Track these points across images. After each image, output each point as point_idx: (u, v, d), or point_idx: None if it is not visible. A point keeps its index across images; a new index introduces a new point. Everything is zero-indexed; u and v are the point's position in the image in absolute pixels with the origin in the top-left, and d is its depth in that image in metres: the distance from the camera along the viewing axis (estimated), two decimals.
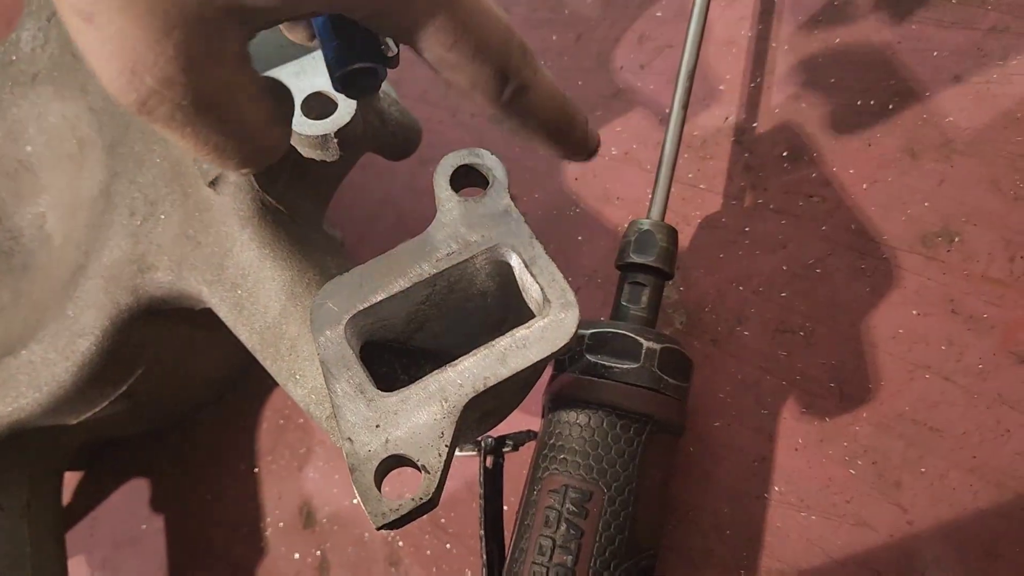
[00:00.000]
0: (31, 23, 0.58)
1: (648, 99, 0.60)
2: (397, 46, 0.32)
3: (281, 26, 0.30)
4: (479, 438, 0.46)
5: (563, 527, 0.39)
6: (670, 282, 0.51)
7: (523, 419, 0.50)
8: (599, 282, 0.56)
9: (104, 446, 0.70)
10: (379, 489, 0.31)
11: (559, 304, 0.33)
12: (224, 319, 0.45)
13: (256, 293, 0.44)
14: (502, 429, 0.44)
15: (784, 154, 0.53)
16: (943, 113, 0.50)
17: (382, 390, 0.33)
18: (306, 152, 0.43)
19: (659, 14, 0.62)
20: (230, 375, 0.67)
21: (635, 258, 0.45)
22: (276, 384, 0.49)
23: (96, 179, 0.53)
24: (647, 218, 0.47)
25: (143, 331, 0.49)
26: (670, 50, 0.61)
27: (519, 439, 0.46)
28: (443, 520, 0.55)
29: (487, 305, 0.40)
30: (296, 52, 0.43)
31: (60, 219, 0.56)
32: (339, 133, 0.41)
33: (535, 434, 0.46)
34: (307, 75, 0.43)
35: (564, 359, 0.44)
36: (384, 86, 0.54)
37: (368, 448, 0.31)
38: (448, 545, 0.54)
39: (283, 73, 0.42)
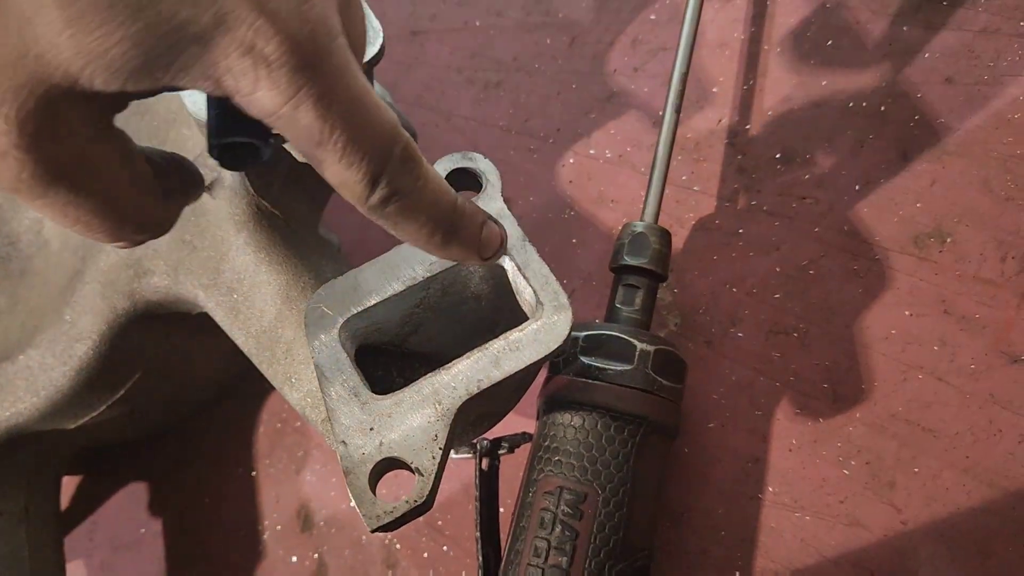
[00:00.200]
0: None
1: (642, 102, 0.60)
2: None
3: None
4: (475, 440, 0.46)
5: (558, 528, 0.40)
6: (664, 284, 0.51)
7: (518, 421, 0.51)
8: (594, 284, 0.56)
9: (102, 450, 0.70)
10: (374, 492, 0.31)
11: (552, 307, 0.34)
12: (220, 323, 0.45)
13: (252, 297, 0.44)
14: (498, 431, 0.45)
15: (777, 156, 0.54)
16: (935, 114, 0.50)
17: (378, 393, 0.33)
18: (300, 157, 0.43)
19: (653, 17, 0.63)
20: (227, 379, 0.67)
21: (629, 260, 0.46)
22: (273, 387, 0.50)
23: None
24: (641, 220, 0.47)
25: (140, 336, 0.50)
26: (664, 53, 0.61)
27: (514, 441, 0.46)
28: (440, 522, 0.55)
29: (481, 308, 0.40)
30: None
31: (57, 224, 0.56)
32: None
33: (530, 436, 0.46)
34: None
35: (559, 361, 0.44)
36: (379, 90, 0.54)
37: (362, 451, 0.31)
38: (445, 547, 0.54)
39: None
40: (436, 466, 0.31)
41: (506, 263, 0.35)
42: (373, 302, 0.35)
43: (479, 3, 0.71)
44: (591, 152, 0.61)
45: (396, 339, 0.40)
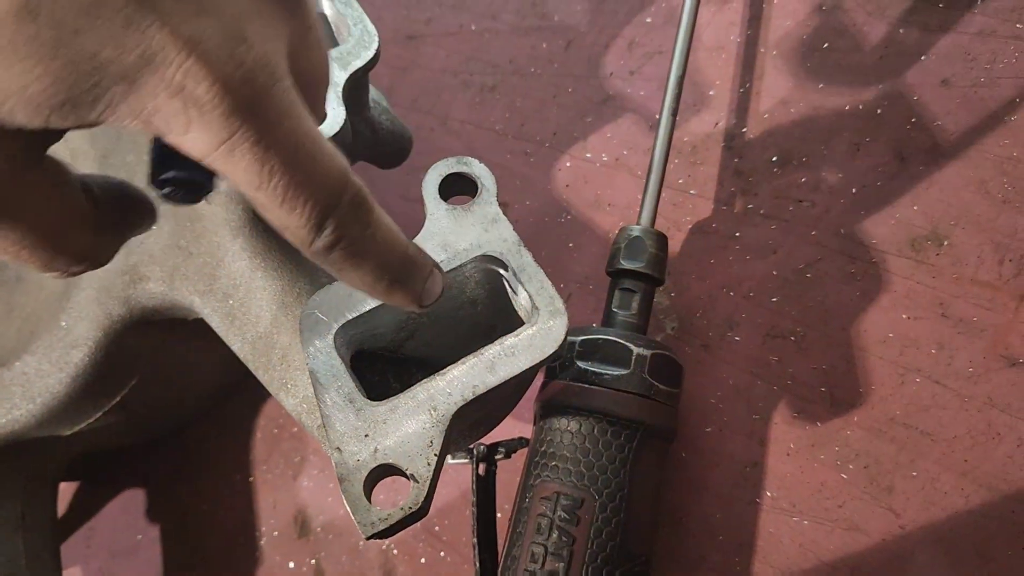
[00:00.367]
0: None
1: (638, 105, 0.60)
2: None
3: None
4: (471, 446, 0.46)
5: (555, 534, 0.39)
6: (661, 288, 0.51)
7: (515, 426, 0.50)
8: (590, 288, 0.56)
9: (99, 457, 0.69)
10: (369, 499, 0.31)
11: (548, 311, 0.33)
12: (216, 329, 0.45)
13: (248, 303, 0.44)
14: (494, 436, 0.44)
15: (774, 159, 0.54)
16: (931, 117, 0.50)
17: (375, 398, 0.33)
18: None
19: (648, 20, 0.63)
20: (224, 385, 0.67)
21: (625, 264, 0.46)
22: (270, 393, 0.50)
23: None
24: (637, 224, 0.47)
25: (136, 342, 0.50)
26: (660, 56, 0.61)
27: (511, 446, 0.46)
28: (437, 528, 0.55)
29: (477, 313, 0.40)
30: None
31: None
32: None
33: (527, 441, 0.46)
34: None
35: (555, 366, 0.44)
36: (375, 94, 0.54)
37: (357, 458, 0.31)
38: (442, 553, 0.54)
39: None
40: (431, 472, 0.31)
41: (501, 267, 0.35)
42: (368, 308, 0.35)
43: (474, 7, 0.71)
44: (587, 156, 0.61)
45: (391, 345, 0.39)
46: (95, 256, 0.24)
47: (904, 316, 0.47)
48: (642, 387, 0.42)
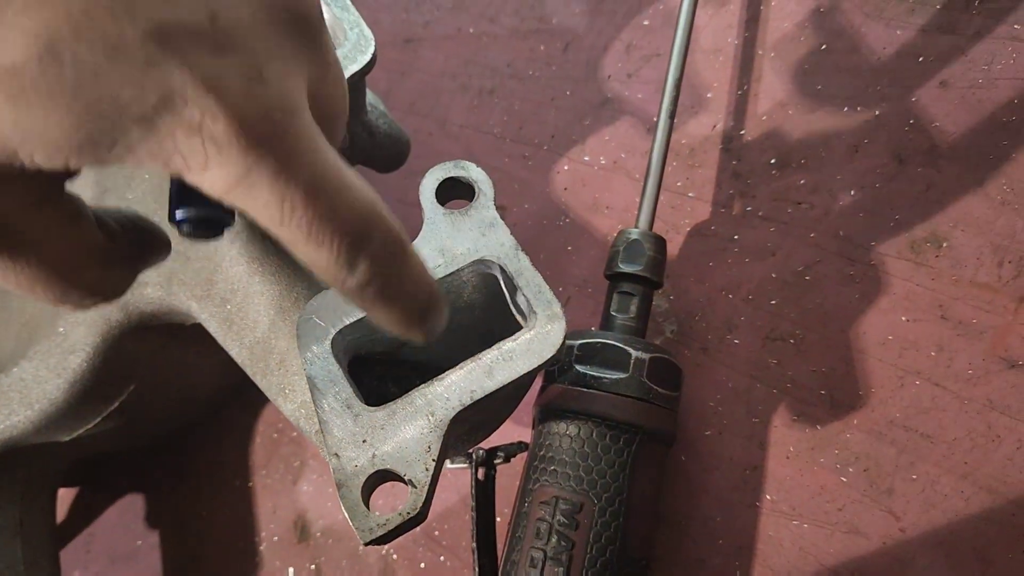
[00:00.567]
0: None
1: (636, 108, 0.60)
2: None
3: None
4: (471, 450, 0.46)
5: (554, 539, 0.39)
6: (660, 291, 0.51)
7: (514, 430, 0.50)
8: (589, 291, 0.56)
9: (98, 462, 0.69)
10: (367, 505, 0.30)
11: (545, 316, 0.33)
12: (214, 334, 0.45)
13: (245, 308, 0.44)
14: (493, 440, 0.44)
15: (772, 161, 0.53)
16: (929, 118, 0.50)
17: (373, 404, 0.33)
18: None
19: (646, 23, 0.63)
20: (223, 390, 0.67)
21: (623, 268, 0.45)
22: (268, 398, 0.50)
23: (86, 196, 0.53)
24: (636, 227, 0.47)
25: (134, 347, 0.49)
26: (658, 59, 0.61)
27: (510, 451, 0.46)
28: (436, 533, 0.55)
29: (475, 317, 0.40)
30: None
31: None
32: None
33: (526, 445, 0.46)
34: None
35: (554, 370, 0.44)
36: (372, 98, 0.54)
37: (355, 463, 0.31)
38: (442, 558, 0.54)
39: None
40: (430, 478, 0.31)
41: (499, 272, 0.35)
42: (366, 313, 0.35)
43: (472, 10, 0.71)
44: (585, 159, 0.61)
45: (390, 349, 0.39)
46: (109, 290, 0.25)
47: (903, 318, 0.46)
48: (641, 391, 0.42)
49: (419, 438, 0.31)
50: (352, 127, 0.48)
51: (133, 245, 0.26)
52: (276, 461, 0.64)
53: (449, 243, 0.35)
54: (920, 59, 0.52)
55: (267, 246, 0.46)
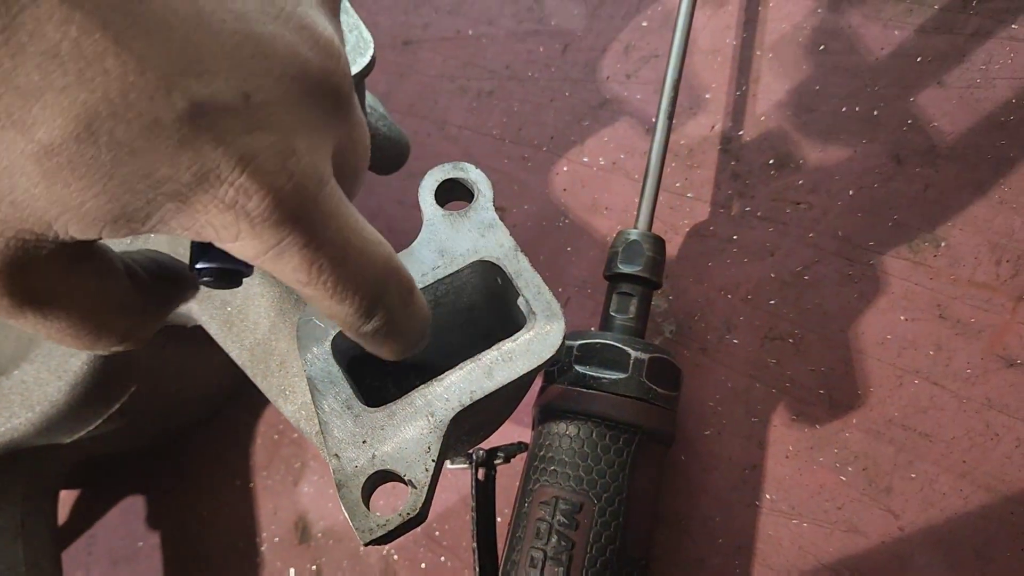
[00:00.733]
0: None
1: (635, 109, 0.60)
2: None
3: None
4: (471, 451, 0.46)
5: (554, 539, 0.39)
6: (659, 291, 0.51)
7: (514, 431, 0.51)
8: (589, 292, 0.56)
9: (100, 464, 0.70)
10: (367, 505, 0.31)
11: (545, 316, 0.33)
12: (214, 336, 0.45)
13: (245, 310, 0.44)
14: (493, 441, 0.44)
15: (770, 162, 0.54)
16: (927, 118, 0.50)
17: (373, 404, 0.33)
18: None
19: (645, 24, 0.63)
20: (223, 391, 0.67)
21: (622, 268, 0.46)
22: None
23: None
24: (635, 228, 0.47)
25: (135, 349, 0.50)
26: (656, 60, 0.61)
27: (510, 451, 0.46)
28: (437, 533, 0.55)
29: (474, 318, 0.40)
30: None
31: None
32: None
33: (526, 446, 0.46)
34: None
35: (554, 370, 0.44)
36: (371, 100, 0.54)
37: (355, 464, 0.31)
38: (443, 558, 0.54)
39: None
40: (429, 478, 0.31)
41: (498, 273, 0.35)
42: None
43: (471, 12, 0.71)
44: (584, 160, 0.61)
45: None
46: (138, 336, 0.25)
47: (902, 317, 0.47)
48: (640, 391, 0.42)
49: (419, 438, 0.32)
50: None
51: (161, 291, 0.26)
52: (277, 462, 0.64)
53: (448, 244, 0.35)
54: (918, 59, 0.52)
55: None
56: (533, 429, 0.45)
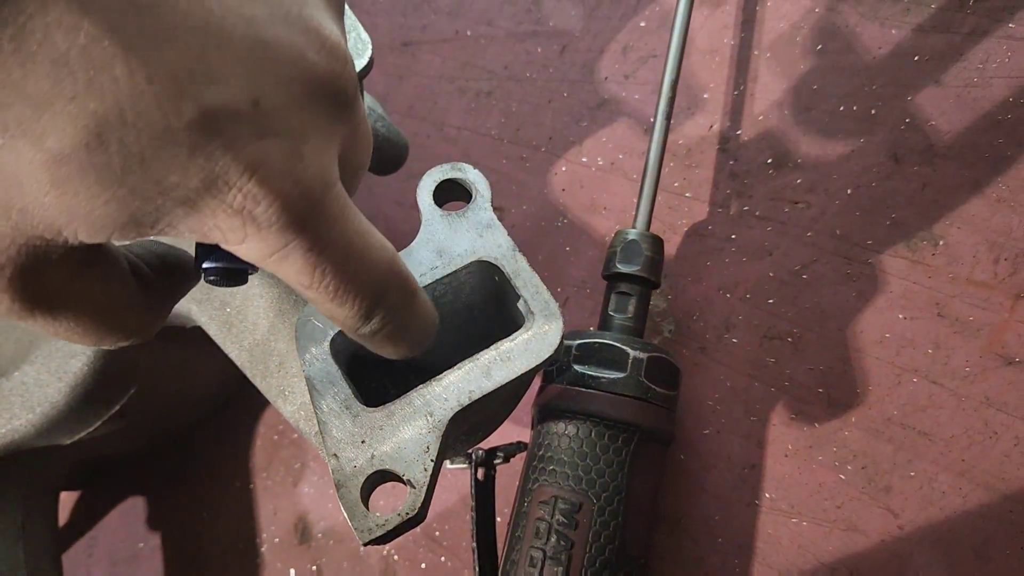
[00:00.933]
0: None
1: (633, 109, 0.60)
2: None
3: None
4: (470, 450, 0.46)
5: (553, 538, 0.39)
6: (658, 290, 0.51)
7: (513, 430, 0.51)
8: (588, 292, 0.56)
9: (100, 465, 0.70)
10: (366, 505, 0.31)
11: (543, 316, 0.34)
12: (213, 337, 0.45)
13: (245, 311, 0.44)
14: (493, 441, 0.45)
15: (768, 161, 0.54)
16: (925, 117, 0.50)
17: (372, 404, 0.33)
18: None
19: (643, 24, 0.63)
20: (223, 392, 0.67)
21: (621, 268, 0.46)
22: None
23: None
24: (633, 228, 0.47)
25: (135, 350, 0.50)
26: (654, 60, 0.61)
27: (509, 451, 0.46)
28: (437, 533, 0.55)
29: (473, 318, 0.40)
30: None
31: None
32: None
33: (525, 445, 0.46)
34: None
35: (552, 370, 0.44)
36: (370, 101, 0.54)
37: (354, 464, 0.31)
38: (443, 558, 0.54)
39: None
40: (428, 478, 0.31)
41: (496, 273, 0.35)
42: None
43: (470, 13, 0.71)
44: (583, 160, 0.61)
45: None
46: (143, 330, 0.25)
47: (900, 316, 0.47)
48: (639, 390, 0.42)
49: (418, 438, 0.32)
50: None
51: (164, 284, 0.26)
52: (277, 463, 0.64)
53: (447, 244, 0.36)
54: (915, 58, 0.52)
55: None
56: (532, 429, 0.45)
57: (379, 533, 0.30)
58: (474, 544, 0.44)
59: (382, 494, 0.57)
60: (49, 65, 0.16)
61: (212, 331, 0.45)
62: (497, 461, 0.46)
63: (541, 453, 0.42)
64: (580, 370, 0.43)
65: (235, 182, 0.19)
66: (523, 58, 0.67)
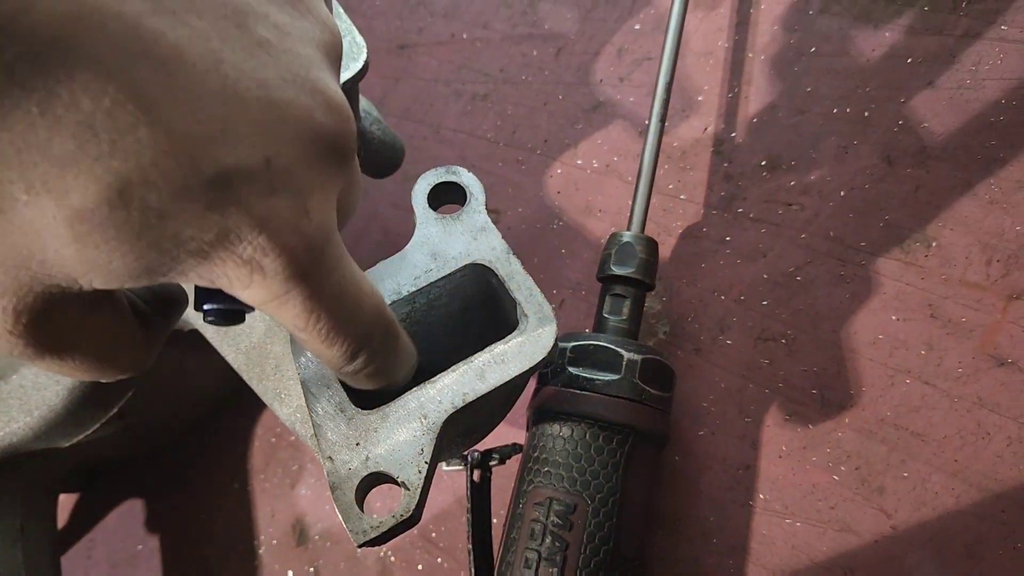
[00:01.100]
0: None
1: (628, 111, 0.61)
2: None
3: None
4: (466, 452, 0.46)
5: (548, 540, 0.40)
6: (652, 292, 0.52)
7: (509, 432, 0.51)
8: (583, 294, 0.57)
9: (98, 468, 0.70)
10: (360, 507, 0.31)
11: (536, 319, 0.34)
12: (210, 340, 0.45)
13: None
14: (488, 442, 0.45)
15: (763, 163, 0.54)
16: (918, 119, 0.50)
17: (366, 407, 0.33)
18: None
19: (637, 27, 0.63)
20: (221, 395, 0.67)
21: (615, 270, 0.46)
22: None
23: None
24: (628, 230, 0.48)
25: None
26: (649, 62, 0.62)
27: (505, 452, 0.46)
28: (433, 534, 0.55)
29: (467, 321, 0.40)
30: None
31: None
32: None
33: (520, 447, 0.46)
34: None
35: (547, 372, 0.44)
36: (366, 104, 0.54)
37: (349, 466, 0.32)
38: (439, 560, 0.54)
39: None
40: (423, 480, 0.31)
41: (490, 276, 0.36)
42: None
43: (466, 16, 0.71)
44: (578, 162, 0.61)
45: None
46: (141, 365, 0.27)
47: (894, 317, 0.47)
48: (633, 392, 0.42)
49: (412, 441, 0.32)
50: None
51: (160, 319, 0.28)
52: (274, 465, 0.64)
53: (441, 247, 0.36)
54: (908, 60, 0.52)
55: None
56: (527, 431, 0.45)
57: (373, 535, 0.30)
58: (470, 545, 0.44)
59: (377, 496, 0.57)
60: (75, 127, 0.17)
61: (208, 334, 0.45)
62: (492, 463, 0.46)
63: (536, 455, 0.43)
64: (575, 372, 0.43)
65: (246, 236, 0.21)
66: (519, 61, 0.67)
